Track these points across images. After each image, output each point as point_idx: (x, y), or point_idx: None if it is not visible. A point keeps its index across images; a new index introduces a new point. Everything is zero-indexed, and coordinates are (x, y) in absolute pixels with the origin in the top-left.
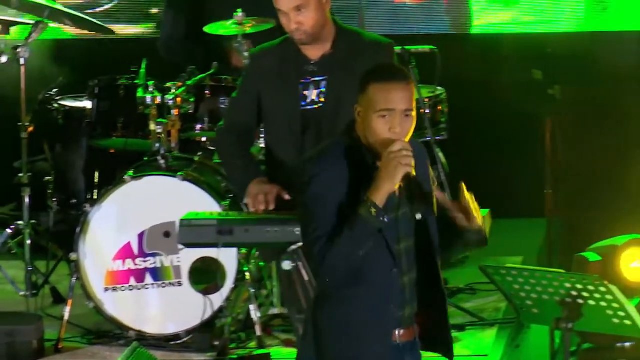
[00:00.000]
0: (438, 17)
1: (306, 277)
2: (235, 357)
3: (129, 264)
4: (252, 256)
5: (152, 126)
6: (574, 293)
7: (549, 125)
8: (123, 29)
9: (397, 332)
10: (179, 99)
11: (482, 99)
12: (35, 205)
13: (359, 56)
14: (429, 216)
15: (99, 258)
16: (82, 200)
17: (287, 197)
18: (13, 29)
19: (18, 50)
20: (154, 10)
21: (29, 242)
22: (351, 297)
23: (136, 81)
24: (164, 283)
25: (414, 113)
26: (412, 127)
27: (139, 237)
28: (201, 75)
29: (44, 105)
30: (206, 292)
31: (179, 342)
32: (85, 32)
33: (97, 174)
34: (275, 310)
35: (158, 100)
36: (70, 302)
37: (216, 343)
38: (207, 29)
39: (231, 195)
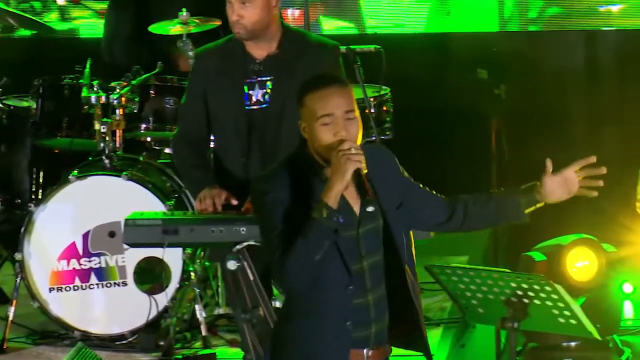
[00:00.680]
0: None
1: (252, 277)
2: (180, 357)
3: (74, 264)
4: (198, 256)
5: (97, 126)
6: (520, 292)
7: (495, 125)
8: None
9: (365, 352)
10: (123, 99)
11: (428, 98)
12: None
13: (304, 57)
14: (395, 223)
15: (44, 258)
16: (27, 200)
17: (234, 202)
18: None
19: None
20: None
21: None
22: (308, 313)
23: (81, 80)
24: (109, 283)
25: (356, 113)
26: (358, 129)
27: (84, 237)
28: (146, 75)
29: None
30: (151, 292)
31: (124, 342)
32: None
33: (41, 174)
34: (220, 310)
35: (103, 99)
36: (14, 302)
37: (161, 343)
38: (152, 28)
39: (176, 195)
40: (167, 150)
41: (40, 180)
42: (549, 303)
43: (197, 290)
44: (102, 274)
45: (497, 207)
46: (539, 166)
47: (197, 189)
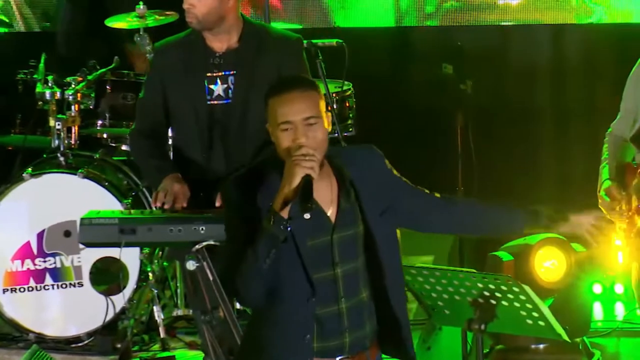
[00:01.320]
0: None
1: (211, 277)
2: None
3: (28, 264)
4: (156, 256)
5: (52, 122)
6: (487, 293)
7: (461, 121)
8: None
9: None
10: (79, 94)
11: (393, 93)
12: None
13: (266, 52)
14: (378, 229)
15: None
16: None
17: (184, 204)
18: None
19: None
20: None
21: None
22: (269, 322)
23: (35, 76)
24: (64, 284)
25: (323, 116)
26: (322, 134)
27: (38, 237)
28: (102, 70)
29: None
30: (108, 292)
31: (80, 344)
32: None
33: None
34: (179, 312)
35: (58, 95)
36: None
37: (118, 345)
38: (108, 22)
39: (133, 193)
40: (124, 147)
41: None
42: (516, 304)
43: (155, 291)
44: (58, 274)
45: (506, 217)
46: (506, 163)
47: (158, 177)
